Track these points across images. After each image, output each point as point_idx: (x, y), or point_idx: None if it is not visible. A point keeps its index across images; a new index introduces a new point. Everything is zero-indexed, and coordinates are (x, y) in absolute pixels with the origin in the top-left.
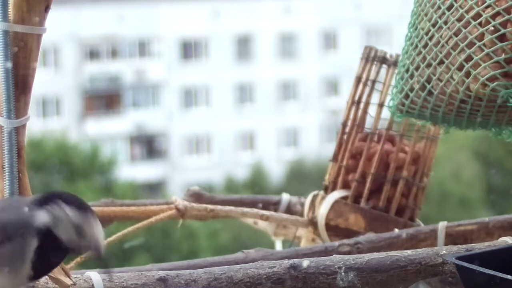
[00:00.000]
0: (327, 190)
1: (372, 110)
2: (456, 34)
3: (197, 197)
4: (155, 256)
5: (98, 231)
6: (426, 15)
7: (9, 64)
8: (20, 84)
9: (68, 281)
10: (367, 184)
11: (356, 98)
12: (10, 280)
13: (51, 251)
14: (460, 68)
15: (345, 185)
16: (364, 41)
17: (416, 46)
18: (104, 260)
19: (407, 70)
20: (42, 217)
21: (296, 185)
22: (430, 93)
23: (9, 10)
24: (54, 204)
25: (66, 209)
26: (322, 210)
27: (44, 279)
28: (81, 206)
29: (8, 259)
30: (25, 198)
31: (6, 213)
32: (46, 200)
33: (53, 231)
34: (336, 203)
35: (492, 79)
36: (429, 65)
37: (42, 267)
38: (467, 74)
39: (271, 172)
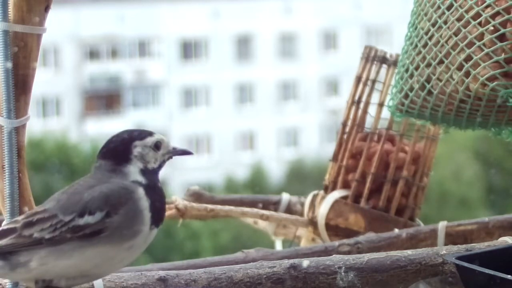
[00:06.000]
0: (327, 190)
1: (372, 110)
2: (455, 34)
3: (197, 196)
4: (156, 256)
5: (163, 139)
6: (426, 14)
7: (9, 64)
8: (20, 84)
9: None
10: (367, 184)
11: (356, 98)
12: (136, 244)
13: (155, 186)
14: (460, 67)
15: (345, 185)
16: (364, 41)
17: (416, 45)
18: (183, 150)
19: (406, 70)
20: (133, 170)
21: (296, 185)
22: (429, 92)
23: (9, 10)
24: (133, 149)
25: (143, 143)
26: (322, 210)
27: None
28: (142, 131)
29: (126, 227)
30: (101, 169)
31: (101, 187)
32: (123, 154)
33: (146, 168)
34: (336, 203)
35: (491, 79)
36: (428, 65)
37: (158, 209)
38: (467, 74)
39: (271, 172)
